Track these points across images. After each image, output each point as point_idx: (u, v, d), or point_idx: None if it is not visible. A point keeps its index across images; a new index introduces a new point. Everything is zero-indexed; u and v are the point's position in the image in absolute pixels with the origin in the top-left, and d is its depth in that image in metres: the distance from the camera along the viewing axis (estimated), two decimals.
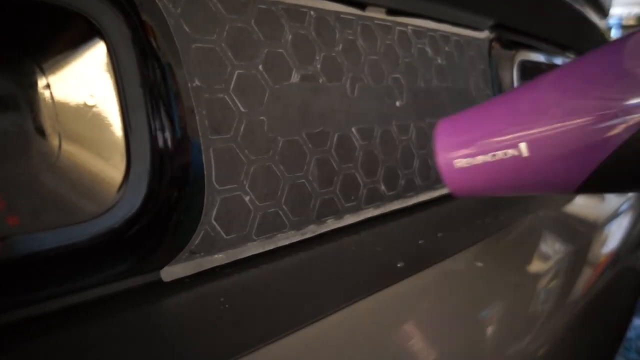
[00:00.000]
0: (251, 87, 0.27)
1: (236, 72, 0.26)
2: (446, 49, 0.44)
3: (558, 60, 0.75)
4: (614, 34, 1.85)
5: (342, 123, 0.32)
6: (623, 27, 1.82)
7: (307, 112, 0.30)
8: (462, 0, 0.45)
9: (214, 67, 0.26)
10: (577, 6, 0.68)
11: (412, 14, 0.41)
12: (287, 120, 0.29)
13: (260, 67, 0.28)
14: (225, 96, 0.26)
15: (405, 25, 0.40)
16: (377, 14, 0.37)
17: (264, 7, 0.28)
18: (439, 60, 0.43)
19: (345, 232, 0.32)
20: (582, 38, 0.83)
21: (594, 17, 0.83)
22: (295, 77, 0.30)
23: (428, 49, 0.42)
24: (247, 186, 0.27)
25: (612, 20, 1.83)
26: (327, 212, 0.31)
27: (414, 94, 0.39)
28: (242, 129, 0.27)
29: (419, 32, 0.41)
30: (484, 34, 0.51)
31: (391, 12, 0.39)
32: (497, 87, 0.52)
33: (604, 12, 0.92)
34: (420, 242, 0.34)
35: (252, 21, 0.28)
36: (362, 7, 0.36)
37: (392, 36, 0.38)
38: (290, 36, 0.30)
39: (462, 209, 0.41)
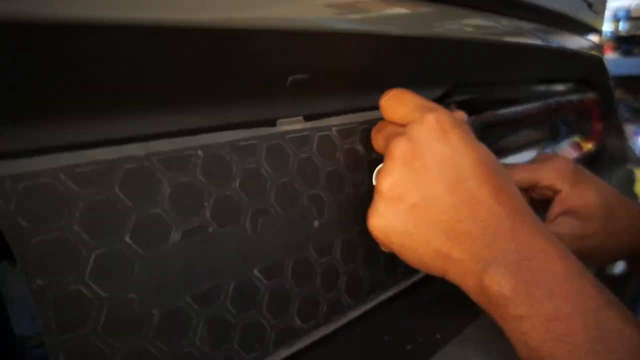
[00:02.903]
0: (115, 266, 0.25)
1: (93, 255, 0.24)
2: None
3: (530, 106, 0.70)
4: (622, 26, 1.75)
5: (240, 269, 0.30)
6: (631, 18, 1.72)
7: (192, 271, 0.27)
8: (401, 80, 0.42)
9: (62, 257, 0.23)
10: (552, 43, 0.63)
11: (339, 111, 0.37)
12: (166, 288, 0.26)
13: (127, 238, 0.25)
14: (80, 286, 0.23)
15: (329, 127, 0.36)
16: (291, 125, 0.34)
17: (132, 166, 0.26)
18: (374, 155, 0.39)
19: None
20: (566, 68, 0.78)
21: (578, 41, 0.77)
22: (175, 236, 0.27)
23: (359, 147, 0.38)
24: None
25: (620, 12, 1.73)
26: None
27: (338, 204, 0.36)
28: (103, 316, 0.24)
29: (348, 130, 0.37)
30: None
31: (311, 117, 0.35)
32: None
33: (594, 29, 0.86)
34: None
35: (116, 188, 0.25)
36: (272, 122, 0.33)
37: (310, 147, 0.35)
38: (169, 190, 0.27)
39: (394, 326, 0.38)
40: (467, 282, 0.30)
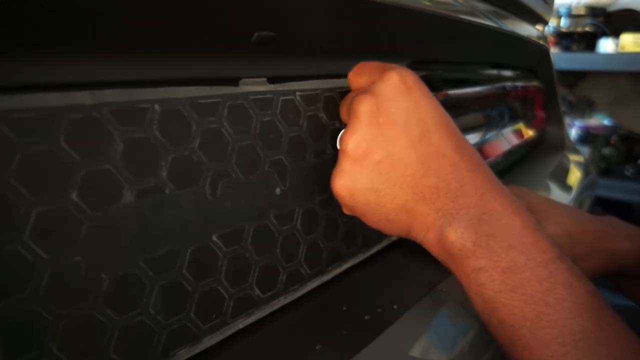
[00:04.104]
0: (59, 225, 0.22)
1: (34, 212, 0.21)
2: None
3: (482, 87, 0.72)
4: (563, 22, 1.85)
5: (198, 234, 0.28)
6: (572, 16, 1.81)
7: (146, 234, 0.25)
8: (365, 50, 0.41)
9: None
10: (505, 28, 0.64)
11: (303, 76, 0.36)
12: (117, 252, 0.24)
13: (73, 195, 0.22)
14: (18, 246, 0.21)
15: (293, 92, 0.35)
16: (254, 87, 0.32)
17: (79, 116, 0.23)
18: (337, 124, 0.38)
19: (204, 358, 0.28)
20: (516, 55, 0.81)
21: (528, 29, 0.80)
22: (128, 196, 0.24)
23: (322, 115, 0.37)
24: (55, 349, 0.22)
25: (562, 9, 1.82)
26: (178, 342, 0.27)
27: (300, 172, 0.35)
28: (44, 281, 0.22)
29: (311, 97, 0.36)
30: None
31: (275, 79, 0.34)
32: None
33: (543, 20, 0.89)
34: (317, 347, 0.31)
35: (61, 140, 0.22)
36: (235, 82, 0.31)
37: (274, 110, 0.33)
38: (121, 145, 0.24)
39: (353, 297, 0.37)
40: (430, 237, 0.30)
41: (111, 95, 0.24)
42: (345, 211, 0.33)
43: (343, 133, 0.31)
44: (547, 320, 0.26)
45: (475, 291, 0.28)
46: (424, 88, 0.31)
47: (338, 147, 0.31)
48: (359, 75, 0.33)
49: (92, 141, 0.23)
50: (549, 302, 0.26)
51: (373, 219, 0.31)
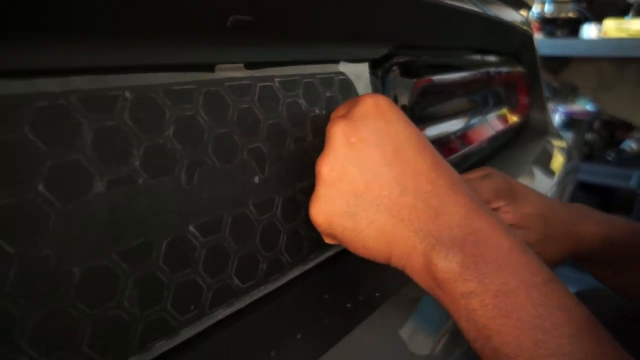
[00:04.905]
0: (26, 218, 0.21)
1: None
2: (328, 94, 0.39)
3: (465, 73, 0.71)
4: (547, 8, 1.85)
5: (174, 224, 0.27)
6: (556, 1, 1.82)
7: (119, 225, 0.25)
8: (347, 35, 0.40)
9: None
10: (489, 13, 0.64)
11: (282, 62, 0.35)
12: (87, 243, 0.23)
13: (40, 187, 0.22)
14: None
15: (272, 78, 0.34)
16: (231, 72, 0.31)
17: (44, 104, 0.22)
18: (317, 111, 0.38)
19: (182, 350, 0.28)
20: (500, 40, 0.80)
21: (512, 14, 0.79)
22: (99, 186, 0.24)
23: (302, 101, 0.36)
24: (23, 345, 0.21)
25: None
26: (155, 335, 0.26)
27: (279, 159, 0.34)
28: (11, 274, 0.21)
29: (290, 83, 0.35)
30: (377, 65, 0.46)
31: (252, 65, 0.33)
32: None
33: (526, 5, 0.89)
34: (298, 336, 0.31)
35: (26, 128, 0.21)
36: (211, 67, 0.30)
37: (252, 97, 0.32)
38: (90, 134, 0.24)
39: (334, 285, 0.37)
40: (412, 263, 0.28)
41: (79, 82, 0.23)
42: (326, 240, 0.32)
43: (318, 159, 0.30)
44: (545, 349, 0.24)
45: (466, 318, 0.26)
46: (397, 110, 0.30)
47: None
48: (339, 110, 0.33)
49: (60, 130, 0.22)
50: (546, 329, 0.24)
51: (352, 247, 0.30)
